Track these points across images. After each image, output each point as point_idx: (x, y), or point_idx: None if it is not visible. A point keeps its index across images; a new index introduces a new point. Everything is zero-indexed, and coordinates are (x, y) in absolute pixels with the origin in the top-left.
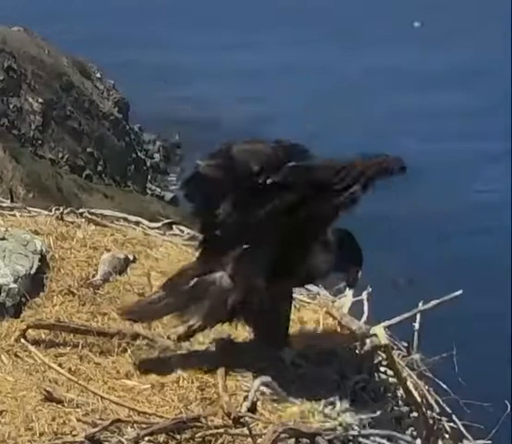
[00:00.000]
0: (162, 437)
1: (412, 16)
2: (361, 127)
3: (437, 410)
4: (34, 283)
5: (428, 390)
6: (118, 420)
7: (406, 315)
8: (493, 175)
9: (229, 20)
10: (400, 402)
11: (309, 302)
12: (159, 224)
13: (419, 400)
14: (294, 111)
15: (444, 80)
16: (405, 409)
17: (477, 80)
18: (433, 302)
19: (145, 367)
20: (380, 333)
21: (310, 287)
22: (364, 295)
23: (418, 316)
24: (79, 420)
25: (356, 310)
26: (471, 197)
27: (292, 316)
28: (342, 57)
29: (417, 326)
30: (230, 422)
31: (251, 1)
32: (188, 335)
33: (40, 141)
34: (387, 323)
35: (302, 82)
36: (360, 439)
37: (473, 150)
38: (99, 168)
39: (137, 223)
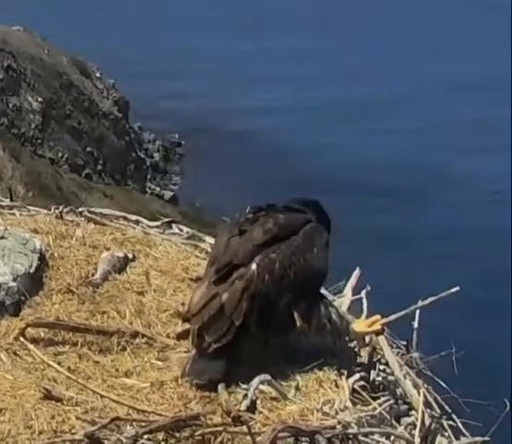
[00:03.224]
0: (161, 436)
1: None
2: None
3: (436, 408)
4: (33, 282)
5: (427, 388)
6: (117, 418)
7: (403, 312)
8: None
9: (238, 23)
10: (399, 401)
11: None
12: (158, 223)
13: (418, 398)
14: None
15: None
16: (404, 407)
17: None
18: (431, 299)
19: (144, 366)
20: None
21: None
22: (363, 294)
23: (417, 315)
24: (78, 418)
25: (355, 308)
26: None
27: None
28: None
29: (416, 324)
30: (229, 420)
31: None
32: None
33: (39, 141)
34: (385, 320)
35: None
36: (359, 437)
37: None
38: (99, 167)
39: (136, 222)
